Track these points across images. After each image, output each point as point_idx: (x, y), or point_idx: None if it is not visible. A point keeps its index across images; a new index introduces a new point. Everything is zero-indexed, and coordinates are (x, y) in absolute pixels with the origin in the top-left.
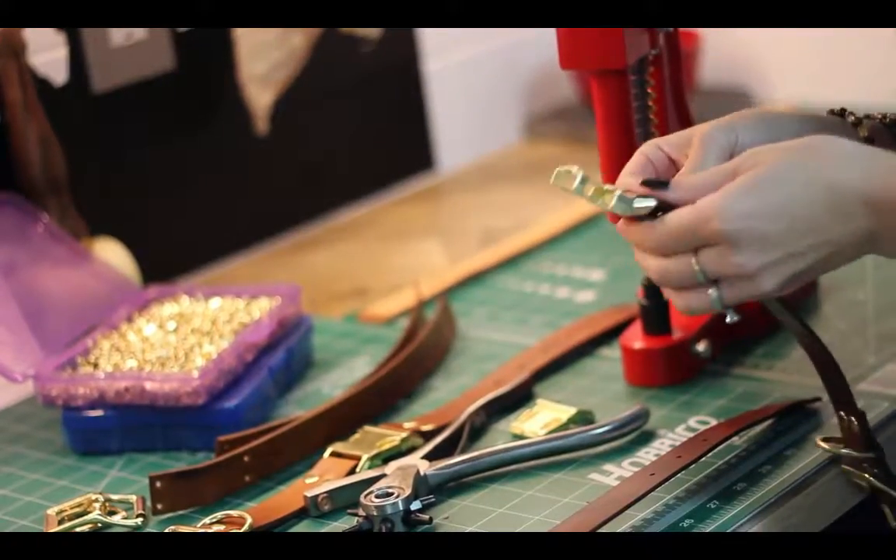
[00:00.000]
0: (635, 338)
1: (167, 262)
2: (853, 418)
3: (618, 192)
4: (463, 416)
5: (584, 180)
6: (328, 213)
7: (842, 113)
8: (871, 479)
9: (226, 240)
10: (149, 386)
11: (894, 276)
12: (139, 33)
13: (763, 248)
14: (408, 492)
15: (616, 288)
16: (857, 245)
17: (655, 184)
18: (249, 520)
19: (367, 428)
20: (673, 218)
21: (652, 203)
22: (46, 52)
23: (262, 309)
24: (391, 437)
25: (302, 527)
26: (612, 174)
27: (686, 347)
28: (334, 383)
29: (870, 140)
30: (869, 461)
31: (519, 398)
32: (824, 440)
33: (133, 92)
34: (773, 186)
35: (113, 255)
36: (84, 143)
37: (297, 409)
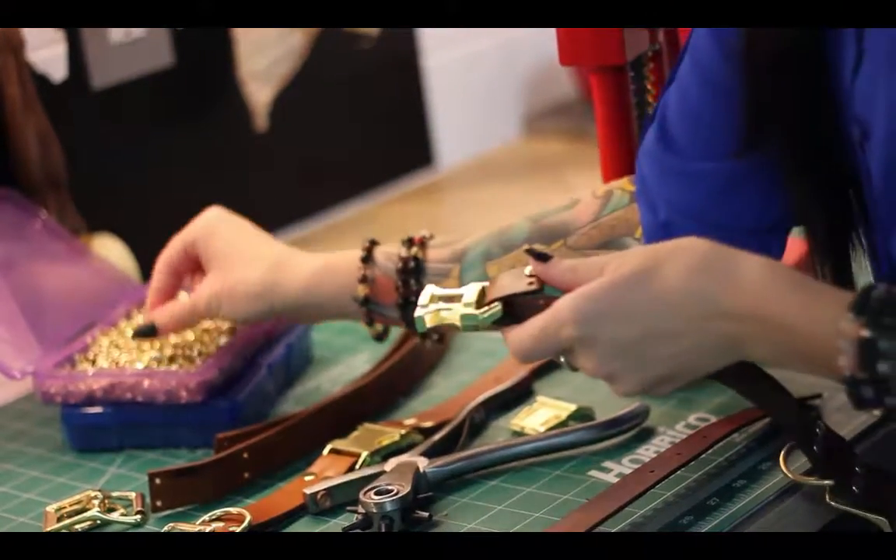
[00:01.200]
0: None
1: None
2: (815, 447)
3: (460, 313)
4: (462, 414)
5: (421, 320)
6: (327, 210)
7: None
8: (837, 505)
9: None
10: (147, 383)
11: None
12: (138, 30)
13: (616, 354)
14: (407, 489)
15: None
16: (721, 351)
17: (538, 255)
18: (248, 517)
19: (367, 425)
20: (531, 324)
21: (498, 309)
22: (45, 48)
23: None
24: (390, 434)
25: (301, 524)
26: (611, 170)
27: None
28: (334, 380)
29: None
30: (832, 488)
31: (519, 395)
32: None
33: (132, 88)
34: (628, 291)
35: (112, 251)
36: (83, 139)
37: (297, 406)
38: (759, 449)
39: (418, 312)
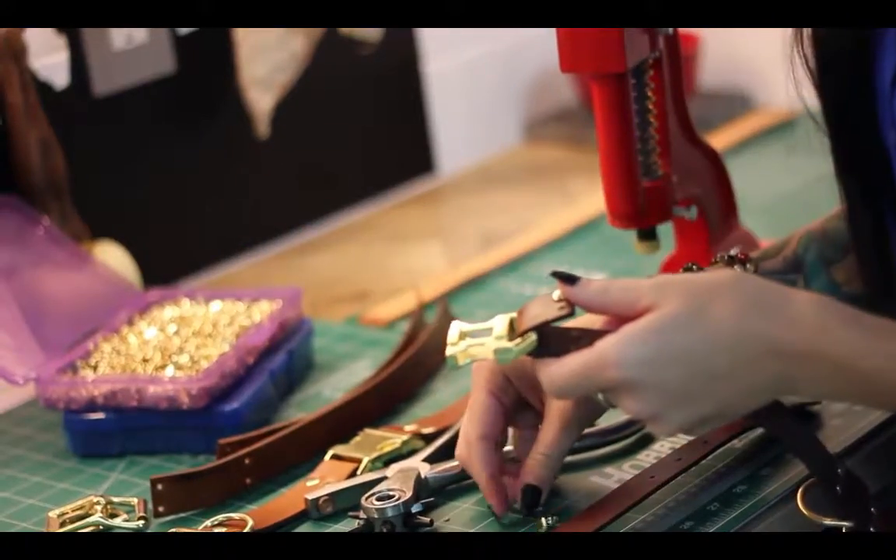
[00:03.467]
0: None
1: (168, 265)
2: (837, 487)
3: (493, 347)
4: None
5: (453, 359)
6: (329, 217)
7: (731, 261)
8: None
9: (227, 243)
10: (150, 389)
11: None
12: (140, 36)
13: (661, 395)
14: (409, 494)
15: None
16: (769, 390)
17: (566, 277)
18: (251, 522)
19: (368, 430)
20: (572, 361)
21: (533, 339)
22: (47, 55)
23: (262, 312)
24: (392, 439)
25: (303, 529)
26: (612, 177)
27: None
28: (335, 386)
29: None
30: (850, 529)
31: None
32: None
33: (134, 95)
34: (676, 332)
35: (113, 258)
36: (85, 146)
37: (298, 411)
38: (760, 454)
39: (449, 351)
